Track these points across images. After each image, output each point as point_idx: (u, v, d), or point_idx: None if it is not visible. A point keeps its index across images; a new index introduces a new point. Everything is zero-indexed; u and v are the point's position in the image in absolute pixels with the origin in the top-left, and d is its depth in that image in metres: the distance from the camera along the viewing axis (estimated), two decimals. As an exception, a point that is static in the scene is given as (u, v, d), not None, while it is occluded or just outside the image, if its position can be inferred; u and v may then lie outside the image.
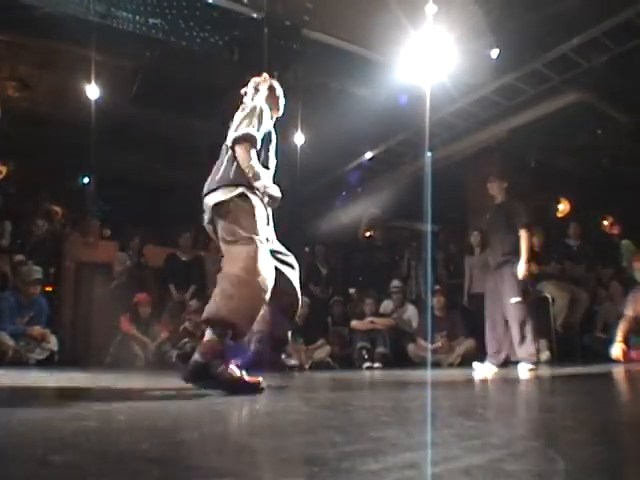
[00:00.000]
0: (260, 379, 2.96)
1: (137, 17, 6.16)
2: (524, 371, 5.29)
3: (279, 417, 2.08)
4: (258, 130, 3.18)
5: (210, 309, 2.88)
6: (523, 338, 5.49)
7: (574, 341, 7.38)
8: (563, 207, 11.16)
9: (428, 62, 6.58)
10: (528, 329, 5.51)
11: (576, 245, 8.43)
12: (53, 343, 6.21)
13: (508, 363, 5.70)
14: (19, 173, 9.37)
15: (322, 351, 7.57)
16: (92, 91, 7.48)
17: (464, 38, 6.53)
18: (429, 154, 7.45)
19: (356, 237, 10.79)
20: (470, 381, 4.59)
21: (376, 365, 7.19)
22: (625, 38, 6.37)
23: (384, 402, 2.74)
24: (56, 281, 7.48)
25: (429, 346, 7.48)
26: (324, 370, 7.05)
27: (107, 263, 7.87)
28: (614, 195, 9.71)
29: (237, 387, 2.83)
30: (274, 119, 3.55)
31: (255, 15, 6.49)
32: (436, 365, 7.27)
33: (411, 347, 7.60)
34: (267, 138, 3.32)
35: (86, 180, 10.04)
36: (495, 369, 5.58)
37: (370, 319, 7.70)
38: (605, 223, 11.25)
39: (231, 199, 3.03)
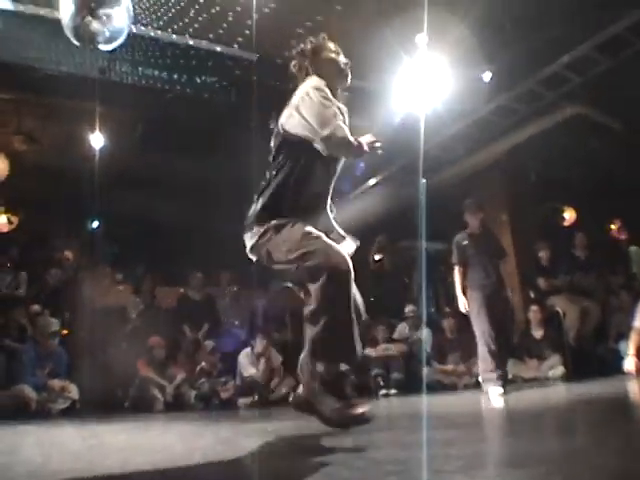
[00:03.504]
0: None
1: (135, 70, 6.34)
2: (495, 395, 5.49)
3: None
4: None
5: None
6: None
7: (588, 354, 7.40)
8: (569, 216, 11.19)
9: (422, 88, 6.70)
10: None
11: (584, 255, 8.46)
12: (74, 392, 6.32)
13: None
14: (30, 223, 9.57)
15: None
16: (96, 140, 7.66)
17: (456, 63, 6.66)
18: (423, 181, 7.55)
19: (365, 265, 10.85)
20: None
21: (392, 392, 7.23)
22: (615, 50, 6.46)
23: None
24: (72, 328, 7.60)
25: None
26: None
27: (121, 307, 7.98)
28: (619, 201, 9.75)
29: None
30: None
31: (248, 57, 6.68)
32: (452, 388, 7.30)
33: (426, 371, 7.63)
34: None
35: (95, 225, 10.20)
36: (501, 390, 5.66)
37: (384, 346, 7.76)
38: (613, 227, 11.29)
39: None
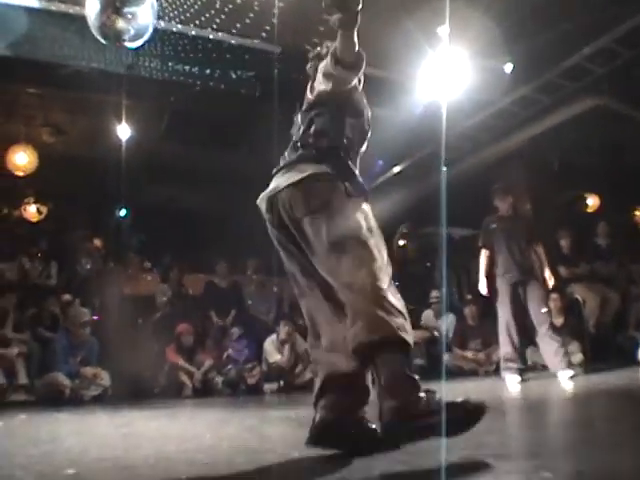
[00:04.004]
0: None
1: (161, 65, 6.47)
2: (566, 379, 5.49)
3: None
4: None
5: None
6: (557, 347, 5.75)
7: (607, 342, 7.46)
8: (593, 202, 11.16)
9: (445, 79, 6.75)
10: (559, 338, 5.81)
11: (605, 244, 8.48)
12: (105, 379, 6.55)
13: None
14: (58, 213, 9.84)
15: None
16: (123, 131, 7.83)
17: (479, 55, 6.71)
18: (444, 169, 7.62)
19: (389, 250, 10.95)
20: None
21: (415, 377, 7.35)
22: (635, 43, 6.47)
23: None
24: (102, 316, 7.83)
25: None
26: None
27: (150, 295, 8.20)
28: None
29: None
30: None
31: (272, 50, 6.77)
32: (473, 374, 7.42)
33: (447, 357, 7.74)
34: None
35: (123, 213, 10.42)
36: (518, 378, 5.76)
37: (406, 332, 7.88)
38: (638, 214, 11.25)
39: None
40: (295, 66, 6.77)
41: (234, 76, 7.03)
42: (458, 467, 1.96)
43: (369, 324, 2.19)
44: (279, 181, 2.52)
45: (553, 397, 4.60)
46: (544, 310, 5.91)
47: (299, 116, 2.77)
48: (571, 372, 5.57)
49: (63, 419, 4.61)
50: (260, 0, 6.14)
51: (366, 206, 2.51)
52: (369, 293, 2.25)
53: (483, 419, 2.09)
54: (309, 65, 3.05)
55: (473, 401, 2.15)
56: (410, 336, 2.23)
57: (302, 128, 2.66)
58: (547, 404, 4.14)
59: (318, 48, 3.09)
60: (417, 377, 2.19)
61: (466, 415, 2.10)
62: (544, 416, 3.62)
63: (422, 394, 2.13)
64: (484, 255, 6.24)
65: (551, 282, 6.00)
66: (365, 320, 2.21)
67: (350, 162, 2.59)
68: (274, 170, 2.62)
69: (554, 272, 8.21)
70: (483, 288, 6.12)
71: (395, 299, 2.28)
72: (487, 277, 6.15)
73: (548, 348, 5.84)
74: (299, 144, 2.62)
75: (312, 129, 2.60)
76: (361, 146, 2.74)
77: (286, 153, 2.68)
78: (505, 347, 5.93)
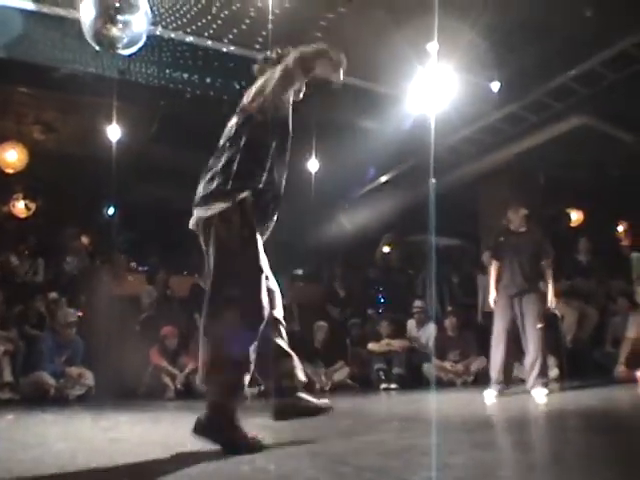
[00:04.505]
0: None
1: (153, 71, 6.56)
2: (541, 396, 5.59)
3: None
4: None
5: None
6: (540, 365, 5.83)
7: (584, 357, 7.63)
8: (576, 217, 11.33)
9: (433, 94, 6.88)
10: (544, 355, 5.90)
11: (586, 260, 8.65)
12: (90, 379, 6.64)
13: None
14: (47, 210, 9.87)
15: (341, 373, 7.93)
16: (113, 131, 7.88)
17: (468, 71, 6.85)
18: (433, 180, 7.75)
19: (373, 257, 11.09)
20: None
21: (393, 386, 7.51)
22: (622, 66, 6.65)
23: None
24: (87, 315, 7.87)
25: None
26: (345, 392, 7.43)
27: (135, 296, 8.27)
28: (627, 206, 9.90)
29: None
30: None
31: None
32: (450, 384, 7.56)
33: (426, 367, 7.88)
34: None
35: (111, 212, 10.48)
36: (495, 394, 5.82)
37: (386, 341, 8.03)
38: (620, 229, 11.44)
39: None
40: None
41: (224, 83, 7.12)
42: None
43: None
44: (199, 212, 2.97)
45: (522, 415, 4.65)
46: (539, 326, 5.93)
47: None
48: (545, 391, 5.67)
49: (49, 420, 4.69)
50: (255, 7, 6.24)
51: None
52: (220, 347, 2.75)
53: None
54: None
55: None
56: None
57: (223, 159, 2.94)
58: (514, 423, 4.22)
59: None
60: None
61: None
62: (506, 436, 3.71)
63: None
64: (494, 268, 6.25)
65: (551, 299, 6.01)
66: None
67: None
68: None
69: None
70: (492, 301, 6.12)
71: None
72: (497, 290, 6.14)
73: (530, 363, 5.93)
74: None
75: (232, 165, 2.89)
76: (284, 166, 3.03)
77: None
78: (490, 360, 6.05)
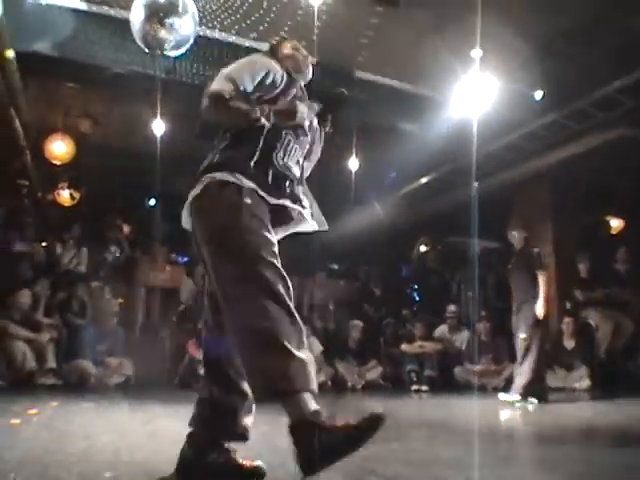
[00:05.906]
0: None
1: (199, 70, 6.69)
2: (503, 398, 5.93)
3: None
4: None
5: None
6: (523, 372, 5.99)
7: (617, 368, 7.58)
8: (617, 224, 11.17)
9: (475, 100, 6.90)
10: (529, 363, 5.96)
11: (624, 269, 8.57)
12: (128, 368, 6.87)
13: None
14: (91, 199, 10.12)
15: (374, 372, 8.04)
16: (158, 126, 8.04)
17: (510, 79, 6.85)
18: (475, 184, 7.77)
19: (409, 257, 11.12)
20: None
21: (424, 388, 7.58)
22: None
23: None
24: (128, 305, 8.10)
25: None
26: (376, 391, 7.54)
27: (175, 287, 8.47)
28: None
29: None
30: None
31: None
32: (482, 389, 7.60)
33: (457, 370, 7.94)
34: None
35: (153, 203, 10.68)
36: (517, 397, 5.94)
37: (419, 343, 8.10)
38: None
39: None
40: (329, 77, 7.03)
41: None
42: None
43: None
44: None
45: (549, 428, 4.61)
46: (522, 336, 6.03)
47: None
48: (508, 396, 5.93)
49: (90, 409, 4.91)
50: (302, 10, 6.31)
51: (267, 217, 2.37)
52: (263, 347, 2.18)
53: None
54: None
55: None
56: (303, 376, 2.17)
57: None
58: (541, 436, 4.20)
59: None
60: None
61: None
62: (530, 451, 3.70)
63: None
64: None
65: (540, 312, 5.96)
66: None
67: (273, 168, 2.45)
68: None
69: (568, 296, 8.37)
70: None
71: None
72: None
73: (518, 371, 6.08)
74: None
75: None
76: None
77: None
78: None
